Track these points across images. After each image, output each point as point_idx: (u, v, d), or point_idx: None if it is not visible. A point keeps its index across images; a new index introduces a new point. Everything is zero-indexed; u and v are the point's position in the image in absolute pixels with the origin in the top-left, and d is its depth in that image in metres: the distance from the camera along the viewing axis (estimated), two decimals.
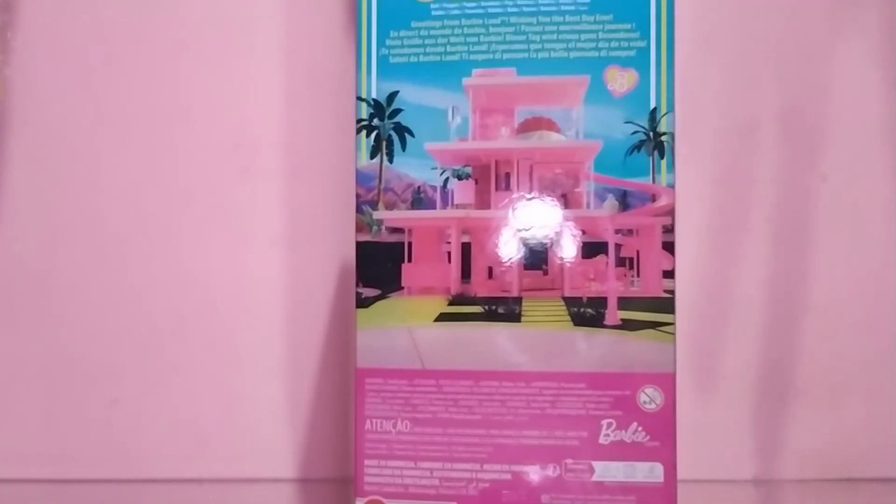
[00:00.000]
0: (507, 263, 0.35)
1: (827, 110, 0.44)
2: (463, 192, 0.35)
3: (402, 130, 0.35)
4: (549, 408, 0.34)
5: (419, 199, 0.35)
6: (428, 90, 0.35)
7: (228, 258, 0.44)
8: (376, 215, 0.35)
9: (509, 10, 0.35)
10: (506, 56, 0.35)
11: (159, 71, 0.44)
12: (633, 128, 0.34)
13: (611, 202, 0.34)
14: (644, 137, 0.34)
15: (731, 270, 0.44)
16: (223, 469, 0.44)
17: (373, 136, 0.35)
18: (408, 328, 0.35)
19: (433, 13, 0.35)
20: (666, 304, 0.34)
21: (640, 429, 0.34)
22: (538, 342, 0.34)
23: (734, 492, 0.43)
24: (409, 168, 0.35)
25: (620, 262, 0.34)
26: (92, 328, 0.44)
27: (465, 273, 0.35)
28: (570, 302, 0.35)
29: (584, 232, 0.35)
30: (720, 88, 0.44)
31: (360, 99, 0.35)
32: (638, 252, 0.34)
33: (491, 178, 0.35)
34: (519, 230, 0.35)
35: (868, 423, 0.43)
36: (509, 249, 0.35)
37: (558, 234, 0.35)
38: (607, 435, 0.34)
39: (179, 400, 0.44)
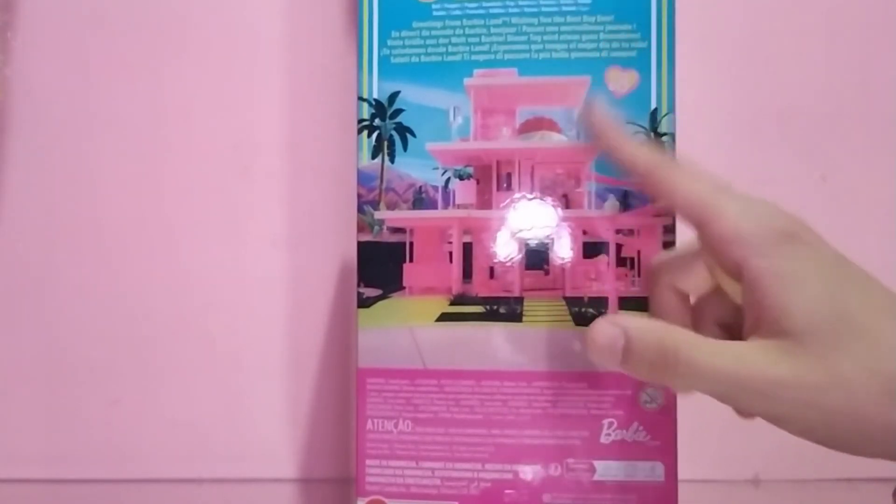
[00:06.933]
0: (509, 263, 0.35)
1: (827, 110, 0.44)
2: (464, 192, 0.35)
3: (403, 130, 0.35)
4: (551, 407, 0.34)
5: (420, 199, 0.35)
6: (429, 90, 0.35)
7: (228, 258, 0.44)
8: (378, 215, 0.35)
9: (510, 10, 0.35)
10: (507, 56, 0.35)
11: (160, 71, 0.44)
12: (633, 128, 0.34)
13: (612, 202, 0.35)
14: (645, 138, 0.34)
15: None
16: (223, 469, 0.44)
17: (374, 136, 0.35)
18: (409, 328, 0.35)
19: (434, 13, 0.35)
20: None
21: (640, 428, 0.34)
22: (539, 342, 0.34)
23: (734, 492, 0.43)
24: (411, 168, 0.35)
25: (621, 262, 0.34)
26: (92, 328, 0.44)
27: (467, 273, 0.35)
28: (571, 302, 0.35)
29: (585, 232, 0.35)
30: (720, 88, 0.44)
31: (361, 99, 0.35)
32: (639, 252, 0.34)
33: (492, 179, 0.35)
34: (520, 230, 0.35)
35: None
36: (510, 249, 0.35)
37: (559, 234, 0.35)
38: (608, 434, 0.34)
39: (179, 400, 0.44)
